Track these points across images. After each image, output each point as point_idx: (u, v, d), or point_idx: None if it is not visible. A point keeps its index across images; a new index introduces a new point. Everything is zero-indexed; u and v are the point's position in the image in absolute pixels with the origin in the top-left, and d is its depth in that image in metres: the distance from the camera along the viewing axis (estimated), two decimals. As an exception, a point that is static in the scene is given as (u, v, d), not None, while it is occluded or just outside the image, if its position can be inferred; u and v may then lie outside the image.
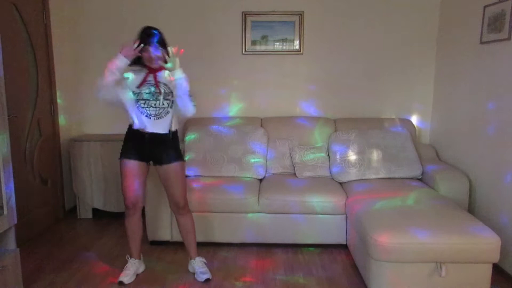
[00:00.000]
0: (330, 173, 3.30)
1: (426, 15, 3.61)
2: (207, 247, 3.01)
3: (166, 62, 2.28)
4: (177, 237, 3.02)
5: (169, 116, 2.41)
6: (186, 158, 3.36)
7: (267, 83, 3.75)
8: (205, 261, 2.64)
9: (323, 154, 3.36)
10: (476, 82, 2.98)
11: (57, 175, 3.59)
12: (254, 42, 3.67)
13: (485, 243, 2.16)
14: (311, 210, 2.92)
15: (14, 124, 2.91)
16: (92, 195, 3.55)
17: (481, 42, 2.88)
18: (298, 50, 3.67)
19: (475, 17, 2.97)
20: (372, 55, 3.68)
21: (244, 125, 3.52)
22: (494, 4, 2.73)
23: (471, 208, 2.98)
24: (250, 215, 2.94)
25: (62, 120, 3.65)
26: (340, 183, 3.21)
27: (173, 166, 2.44)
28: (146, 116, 2.37)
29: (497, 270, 2.59)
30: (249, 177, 3.26)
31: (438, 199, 2.68)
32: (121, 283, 2.49)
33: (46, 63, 3.42)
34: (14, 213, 2.13)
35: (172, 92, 2.37)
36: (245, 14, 3.63)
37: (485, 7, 2.83)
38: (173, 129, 2.44)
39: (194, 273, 2.60)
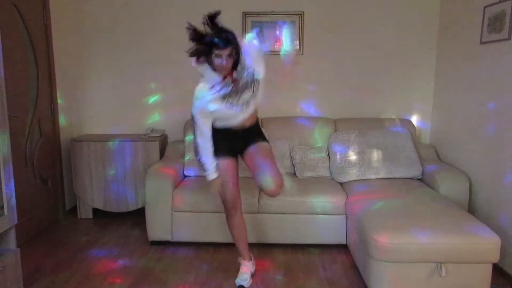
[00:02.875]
0: (330, 173, 3.30)
1: (426, 15, 3.61)
2: (207, 247, 3.02)
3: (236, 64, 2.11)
4: (177, 237, 3.03)
5: (252, 106, 2.26)
6: (186, 158, 3.37)
7: (267, 83, 3.73)
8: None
9: (323, 154, 3.36)
10: (476, 82, 2.98)
11: (57, 175, 3.59)
12: (254, 42, 3.67)
13: (485, 243, 2.16)
14: (311, 210, 2.92)
15: (14, 124, 2.91)
16: (92, 195, 3.55)
17: (481, 42, 2.88)
18: (298, 50, 3.67)
19: (475, 17, 2.97)
20: (372, 55, 3.68)
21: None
22: (494, 4, 2.73)
23: (471, 208, 2.98)
24: (250, 215, 2.94)
25: (62, 120, 3.65)
26: (340, 183, 3.21)
27: (261, 143, 2.36)
28: (233, 112, 2.20)
29: (497, 270, 2.58)
30: (249, 177, 3.25)
31: (438, 199, 2.69)
32: (241, 287, 2.45)
33: (47, 63, 3.43)
34: (14, 213, 2.13)
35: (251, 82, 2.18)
36: (245, 14, 3.63)
37: (485, 7, 2.83)
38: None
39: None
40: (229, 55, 2.03)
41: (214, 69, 2.10)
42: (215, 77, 2.12)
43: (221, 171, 2.35)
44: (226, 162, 2.37)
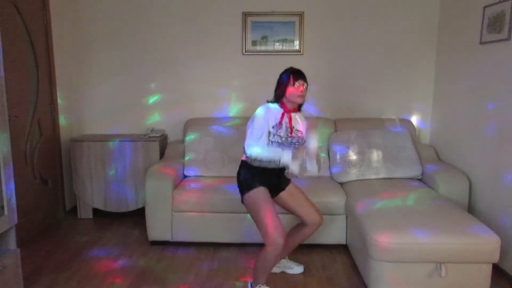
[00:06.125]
0: (330, 173, 3.30)
1: (426, 15, 3.61)
2: (207, 247, 3.02)
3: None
4: (177, 237, 3.03)
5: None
6: (186, 158, 3.37)
7: (268, 83, 3.71)
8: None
9: (323, 154, 3.36)
10: (476, 82, 2.98)
11: (57, 175, 3.59)
12: (254, 43, 3.67)
13: (485, 243, 2.16)
14: (311, 210, 2.92)
15: (14, 124, 2.91)
16: (93, 195, 3.55)
17: (481, 42, 2.88)
18: (298, 51, 3.67)
19: (475, 17, 2.97)
20: (372, 55, 3.69)
21: (244, 125, 3.48)
22: (494, 4, 2.73)
23: (471, 208, 2.98)
24: (250, 215, 2.93)
25: (62, 120, 3.65)
26: (340, 183, 3.21)
27: (292, 184, 2.43)
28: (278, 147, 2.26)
29: (497, 270, 2.59)
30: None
31: (438, 199, 2.69)
32: None
33: (47, 63, 3.43)
34: (14, 213, 2.13)
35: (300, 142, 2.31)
36: (245, 15, 3.63)
37: (485, 7, 2.83)
38: None
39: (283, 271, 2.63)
40: (305, 88, 2.27)
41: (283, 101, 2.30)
42: (277, 109, 2.30)
43: (264, 203, 2.22)
44: (266, 190, 2.28)
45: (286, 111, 2.28)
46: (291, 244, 2.49)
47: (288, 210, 2.47)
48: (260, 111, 2.27)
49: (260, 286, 2.28)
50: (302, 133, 2.32)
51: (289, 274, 2.63)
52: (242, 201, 2.32)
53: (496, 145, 2.73)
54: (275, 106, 2.30)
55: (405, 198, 2.69)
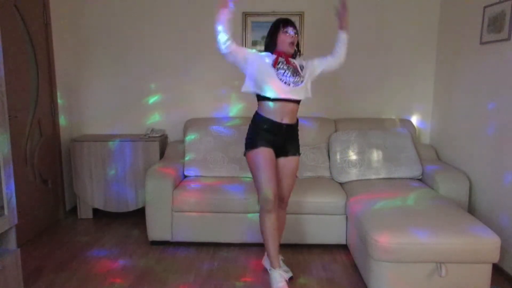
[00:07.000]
0: (330, 173, 3.30)
1: (426, 15, 3.61)
2: (207, 247, 3.02)
3: (298, 49, 2.39)
4: (177, 237, 3.03)
5: (303, 86, 2.34)
6: (186, 158, 3.37)
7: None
8: (283, 259, 2.65)
9: (323, 154, 3.36)
10: (476, 82, 2.98)
11: (57, 175, 3.59)
12: (254, 43, 3.67)
13: (485, 243, 2.16)
14: (311, 210, 2.92)
15: (14, 124, 2.91)
16: (93, 195, 3.55)
17: (481, 43, 2.88)
18: (298, 50, 3.66)
19: (475, 17, 2.97)
20: (372, 55, 3.68)
21: (244, 125, 3.49)
22: (494, 4, 2.73)
23: (471, 208, 2.98)
24: (250, 215, 2.94)
25: (62, 120, 3.65)
26: (340, 183, 3.21)
27: (296, 159, 2.44)
28: (284, 83, 2.27)
29: (497, 270, 2.59)
30: (249, 178, 3.25)
31: (438, 199, 2.69)
32: None
33: (47, 63, 3.43)
34: (14, 213, 2.13)
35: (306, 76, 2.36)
36: (245, 15, 3.63)
37: (485, 7, 2.83)
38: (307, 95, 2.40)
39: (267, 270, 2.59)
40: (295, 33, 2.32)
41: (274, 47, 2.33)
42: (270, 55, 2.34)
43: (261, 162, 2.31)
44: (269, 153, 2.34)
45: (280, 55, 2.30)
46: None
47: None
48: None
49: (271, 270, 2.38)
50: (303, 67, 2.36)
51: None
52: (244, 154, 2.43)
53: (496, 145, 2.73)
54: (266, 53, 2.35)
55: (405, 198, 2.69)
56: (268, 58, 2.32)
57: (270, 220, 2.33)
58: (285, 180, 2.46)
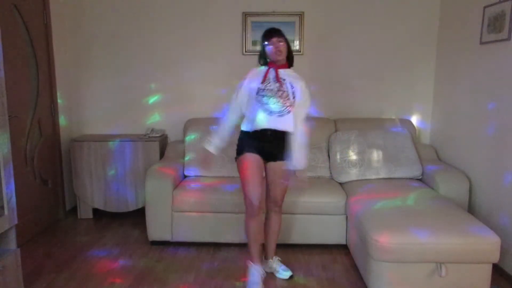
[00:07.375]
0: (330, 173, 3.30)
1: (426, 15, 3.61)
2: (207, 247, 3.02)
3: (288, 57, 2.39)
4: (177, 237, 3.03)
5: (290, 115, 2.33)
6: (186, 158, 3.37)
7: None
8: (280, 259, 2.68)
9: (323, 154, 3.36)
10: (476, 82, 2.98)
11: (57, 175, 3.59)
12: (254, 43, 3.67)
13: (485, 243, 2.16)
14: (311, 210, 2.92)
15: (14, 124, 2.91)
16: (93, 195, 3.55)
17: (481, 43, 2.88)
18: (298, 50, 3.67)
19: (475, 17, 2.97)
20: (372, 55, 3.69)
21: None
22: (494, 4, 2.73)
23: (471, 208, 2.98)
24: (250, 215, 2.94)
25: (62, 120, 3.65)
26: (340, 183, 3.21)
27: (285, 164, 2.44)
28: (268, 113, 2.31)
29: (497, 270, 2.59)
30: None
31: (438, 199, 2.69)
32: None
33: (47, 63, 3.43)
34: (14, 213, 2.13)
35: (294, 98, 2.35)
36: (245, 15, 3.63)
37: (485, 7, 2.83)
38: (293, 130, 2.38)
39: (272, 272, 2.62)
40: (284, 40, 2.34)
41: (267, 59, 2.38)
42: (262, 69, 2.40)
43: (247, 168, 2.36)
44: (255, 159, 2.38)
45: (272, 66, 2.35)
46: (268, 239, 2.62)
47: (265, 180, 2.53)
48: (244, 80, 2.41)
49: (251, 265, 2.45)
50: (293, 87, 2.35)
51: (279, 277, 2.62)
52: (236, 160, 2.48)
53: (496, 145, 2.73)
54: (261, 68, 2.41)
55: (405, 198, 2.69)
56: (257, 80, 2.35)
57: (254, 225, 2.42)
58: (275, 184, 2.48)
